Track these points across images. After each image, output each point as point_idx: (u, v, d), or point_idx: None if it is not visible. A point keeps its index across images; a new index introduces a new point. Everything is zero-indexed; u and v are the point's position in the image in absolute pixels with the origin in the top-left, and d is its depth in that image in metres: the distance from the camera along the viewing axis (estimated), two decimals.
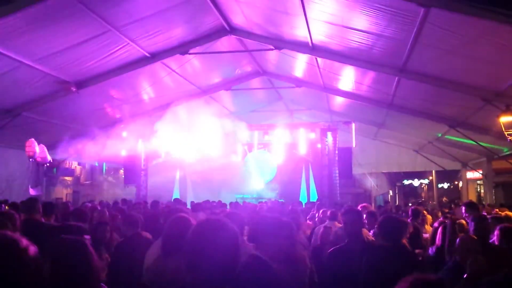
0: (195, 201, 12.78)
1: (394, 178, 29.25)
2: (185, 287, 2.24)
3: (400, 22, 7.54)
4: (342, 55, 10.28)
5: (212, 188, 17.05)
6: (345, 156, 17.14)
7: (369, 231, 5.68)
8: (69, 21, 8.56)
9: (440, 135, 14.45)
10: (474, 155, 16.31)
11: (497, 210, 10.38)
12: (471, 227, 4.82)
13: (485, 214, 7.02)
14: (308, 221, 9.25)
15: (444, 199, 18.84)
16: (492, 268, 3.57)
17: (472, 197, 19.37)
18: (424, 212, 8.91)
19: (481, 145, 13.27)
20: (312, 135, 17.24)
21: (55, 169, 15.40)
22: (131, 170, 16.63)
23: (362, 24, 8.25)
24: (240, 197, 17.25)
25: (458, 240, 4.17)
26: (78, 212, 5.92)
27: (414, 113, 12.81)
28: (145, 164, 16.72)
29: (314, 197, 18.86)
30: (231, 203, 12.38)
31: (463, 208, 6.81)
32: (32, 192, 12.32)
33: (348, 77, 12.25)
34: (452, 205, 12.41)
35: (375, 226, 5.25)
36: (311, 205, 12.82)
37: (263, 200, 15.98)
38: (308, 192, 19.91)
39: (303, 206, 13.80)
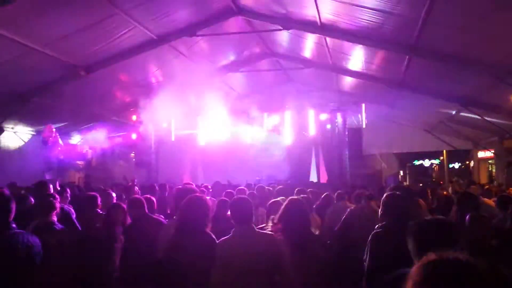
0: (205, 183, 12.82)
1: (405, 159, 29.05)
2: None
3: None
4: (351, 34, 10.13)
5: (222, 170, 17.10)
6: (355, 137, 17.08)
7: None
8: (76, 4, 8.54)
9: (453, 113, 14.24)
10: (486, 134, 16.11)
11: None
12: None
13: None
14: None
15: (455, 179, 18.70)
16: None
17: (484, 177, 19.23)
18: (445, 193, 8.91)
19: (493, 124, 13.09)
20: (322, 116, 17.15)
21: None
22: (142, 153, 16.74)
23: (372, 1, 8.11)
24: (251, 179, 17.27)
25: (468, 217, 4.13)
26: (89, 198, 5.98)
27: (425, 93, 12.65)
28: (156, 147, 16.80)
29: (324, 179, 18.85)
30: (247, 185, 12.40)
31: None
32: (47, 176, 12.49)
33: (357, 57, 12.12)
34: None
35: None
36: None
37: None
38: (318, 173, 19.90)
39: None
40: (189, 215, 3.74)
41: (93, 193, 6.26)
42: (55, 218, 4.11)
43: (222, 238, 3.68)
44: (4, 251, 3.17)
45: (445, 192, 9.59)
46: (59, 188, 7.40)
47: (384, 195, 4.35)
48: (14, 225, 3.35)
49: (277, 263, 3.55)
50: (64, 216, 4.73)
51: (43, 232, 3.75)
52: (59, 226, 4.08)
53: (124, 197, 8.12)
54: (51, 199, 4.23)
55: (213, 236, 3.76)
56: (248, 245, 3.54)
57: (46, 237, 3.68)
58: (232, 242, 3.61)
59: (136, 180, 12.92)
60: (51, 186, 6.04)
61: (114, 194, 6.94)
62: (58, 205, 4.30)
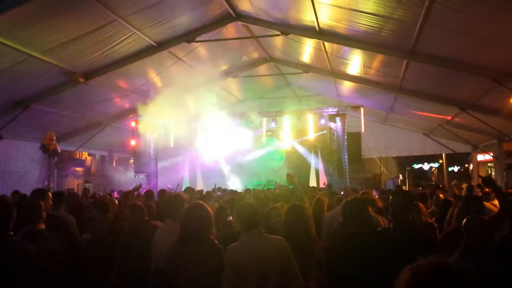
0: (205, 189, 12.83)
1: (404, 162, 29.11)
2: None
3: (409, 3, 7.43)
4: (349, 39, 10.18)
5: (221, 175, 17.11)
6: (354, 141, 17.08)
7: None
8: (74, 12, 8.55)
9: (450, 118, 14.30)
10: (484, 137, 16.14)
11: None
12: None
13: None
14: None
15: (454, 182, 18.68)
16: None
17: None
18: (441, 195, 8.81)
19: (492, 127, 13.11)
20: (321, 121, 17.16)
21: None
22: (141, 160, 16.72)
23: (370, 6, 8.13)
24: (250, 183, 17.27)
25: (465, 219, 4.11)
26: (99, 203, 5.98)
27: (424, 96, 12.66)
28: (154, 153, 16.79)
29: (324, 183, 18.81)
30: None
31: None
32: (47, 184, 12.45)
33: (356, 61, 12.14)
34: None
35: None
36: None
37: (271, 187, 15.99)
38: (317, 178, 19.87)
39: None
40: (191, 223, 3.69)
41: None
42: (43, 226, 4.08)
43: (232, 244, 3.62)
44: (1, 259, 3.15)
45: (441, 195, 9.49)
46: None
47: (343, 202, 4.19)
48: (11, 233, 3.33)
49: (287, 267, 3.53)
50: (57, 224, 4.70)
51: (31, 240, 3.73)
52: (47, 234, 4.05)
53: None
54: (36, 207, 4.20)
55: (217, 243, 3.74)
56: (259, 250, 3.50)
57: (34, 244, 3.67)
58: (243, 247, 3.56)
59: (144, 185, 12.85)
60: (50, 194, 6.00)
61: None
62: (44, 213, 4.28)
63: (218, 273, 3.52)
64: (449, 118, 14.42)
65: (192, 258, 3.56)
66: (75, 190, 14.67)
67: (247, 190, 12.65)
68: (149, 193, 8.66)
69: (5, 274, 3.06)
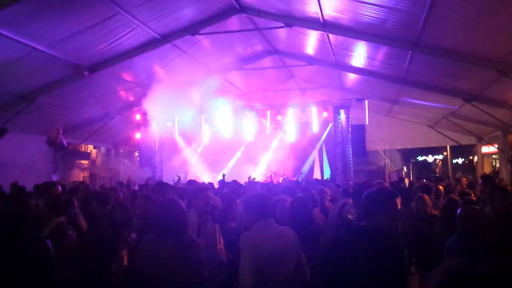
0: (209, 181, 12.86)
1: (408, 155, 29.11)
2: None
3: None
4: (354, 30, 10.15)
5: (226, 167, 17.15)
6: (359, 133, 17.07)
7: None
8: (78, 5, 8.58)
9: (455, 109, 14.25)
10: (489, 129, 16.09)
11: None
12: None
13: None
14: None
15: (458, 174, 18.65)
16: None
17: (488, 172, 19.20)
18: (440, 187, 8.62)
19: (496, 118, 13.06)
20: (325, 113, 17.14)
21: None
22: (146, 152, 16.80)
23: None
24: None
25: (460, 209, 4.14)
26: (98, 195, 6.01)
27: (428, 88, 12.63)
28: (159, 146, 16.86)
29: (327, 175, 18.84)
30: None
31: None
32: (54, 178, 12.54)
33: (360, 53, 12.11)
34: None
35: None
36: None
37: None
38: (321, 170, 19.91)
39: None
40: (168, 218, 3.58)
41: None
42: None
43: (245, 232, 3.59)
44: (20, 255, 3.17)
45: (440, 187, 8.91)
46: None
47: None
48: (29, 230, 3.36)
49: (299, 256, 3.58)
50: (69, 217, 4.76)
51: (58, 235, 3.74)
52: (69, 226, 4.12)
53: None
54: (61, 199, 4.25)
55: (194, 238, 3.68)
56: (274, 238, 3.50)
57: (59, 240, 3.66)
58: (258, 235, 3.53)
59: (133, 180, 12.97)
60: (59, 187, 6.07)
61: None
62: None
63: (199, 267, 3.50)
64: (453, 110, 14.37)
65: (173, 254, 3.43)
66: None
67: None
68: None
69: (23, 270, 3.07)
